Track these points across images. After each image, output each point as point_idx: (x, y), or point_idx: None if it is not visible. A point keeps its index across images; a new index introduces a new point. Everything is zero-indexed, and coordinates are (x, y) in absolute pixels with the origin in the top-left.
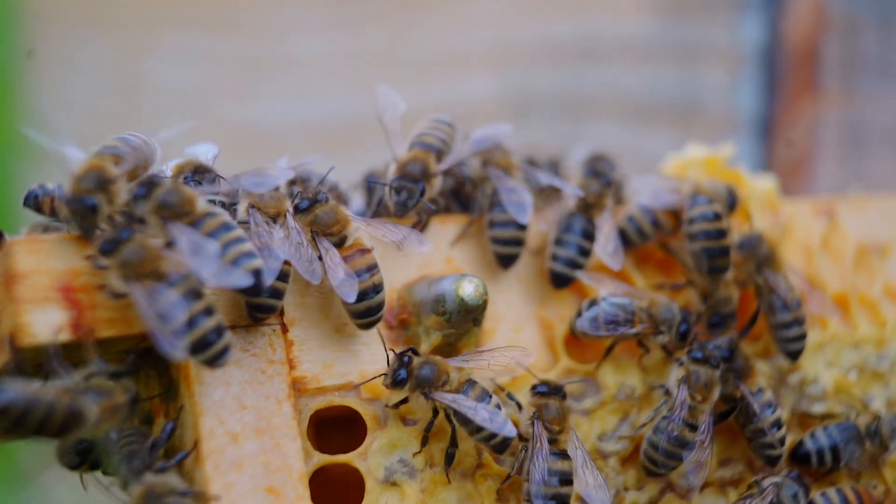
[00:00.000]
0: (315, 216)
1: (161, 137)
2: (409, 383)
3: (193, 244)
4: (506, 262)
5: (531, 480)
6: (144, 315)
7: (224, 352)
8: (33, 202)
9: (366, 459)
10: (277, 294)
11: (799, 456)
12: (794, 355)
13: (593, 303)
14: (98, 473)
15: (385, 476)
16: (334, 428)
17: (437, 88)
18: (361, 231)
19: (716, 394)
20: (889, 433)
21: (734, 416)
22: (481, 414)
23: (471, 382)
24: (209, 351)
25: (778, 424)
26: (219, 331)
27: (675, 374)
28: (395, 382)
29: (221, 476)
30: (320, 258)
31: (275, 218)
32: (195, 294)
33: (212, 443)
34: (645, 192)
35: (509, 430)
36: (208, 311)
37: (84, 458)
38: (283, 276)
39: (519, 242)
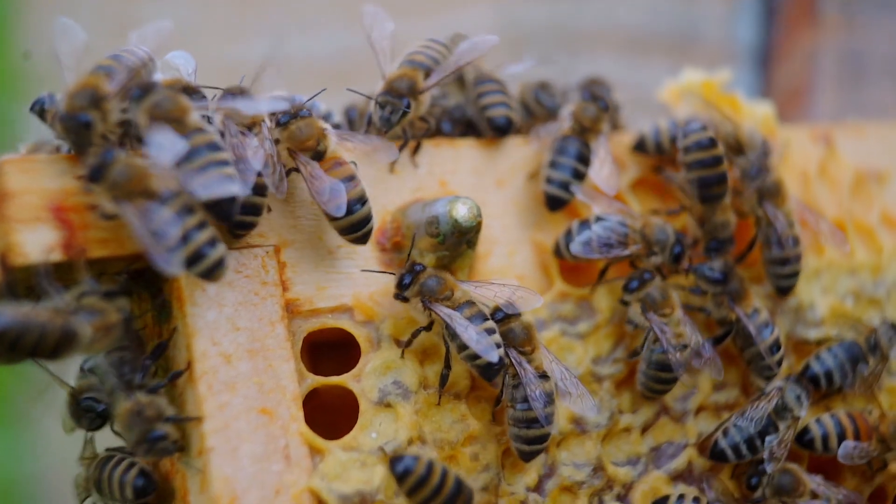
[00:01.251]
0: (290, 131)
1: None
2: (413, 289)
3: (163, 139)
4: (499, 127)
5: (533, 406)
6: (138, 234)
7: (219, 263)
8: (38, 109)
9: (359, 381)
10: (256, 210)
11: (806, 378)
12: (784, 291)
13: (584, 225)
14: None
15: (379, 397)
16: (329, 353)
17: (430, 21)
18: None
19: (675, 295)
20: (887, 342)
21: (732, 340)
22: (470, 333)
23: (469, 303)
24: (204, 263)
25: (777, 346)
26: (213, 243)
27: (633, 312)
28: (399, 285)
29: (214, 396)
30: (290, 173)
31: (249, 127)
32: (188, 210)
33: (205, 363)
34: (681, 111)
35: (493, 356)
36: (202, 226)
37: (104, 421)
38: (260, 190)
39: (508, 105)
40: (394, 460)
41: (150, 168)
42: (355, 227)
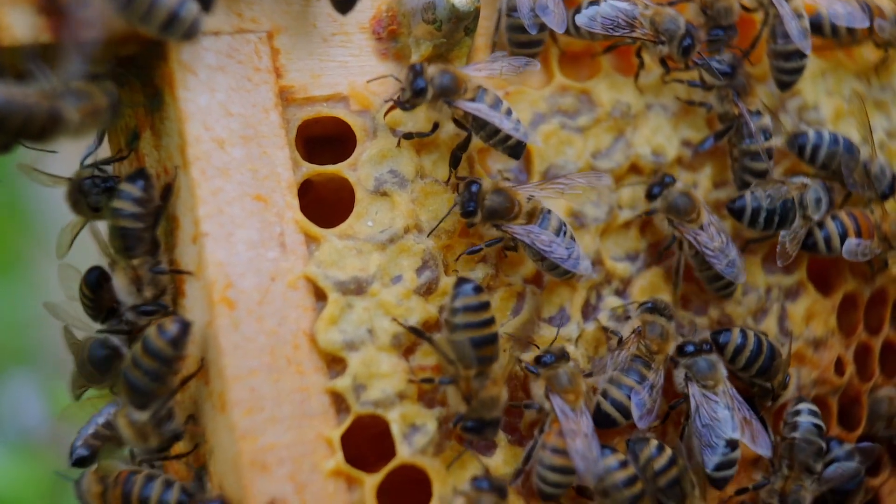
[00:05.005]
0: None
1: None
2: (430, 92)
3: None
4: None
5: (554, 260)
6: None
7: (197, 22)
8: None
9: (355, 170)
10: None
11: (797, 145)
12: (786, 86)
13: (595, 1)
14: None
15: (375, 186)
16: (323, 149)
17: None
18: None
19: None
20: (879, 174)
21: (728, 138)
22: (505, 122)
23: (483, 89)
24: (182, 25)
25: (770, 153)
26: (182, 3)
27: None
28: (416, 93)
29: (208, 182)
30: None
31: None
32: None
33: (197, 148)
34: None
35: (535, 139)
36: None
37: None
38: None
39: None
40: (459, 279)
41: None
42: None
